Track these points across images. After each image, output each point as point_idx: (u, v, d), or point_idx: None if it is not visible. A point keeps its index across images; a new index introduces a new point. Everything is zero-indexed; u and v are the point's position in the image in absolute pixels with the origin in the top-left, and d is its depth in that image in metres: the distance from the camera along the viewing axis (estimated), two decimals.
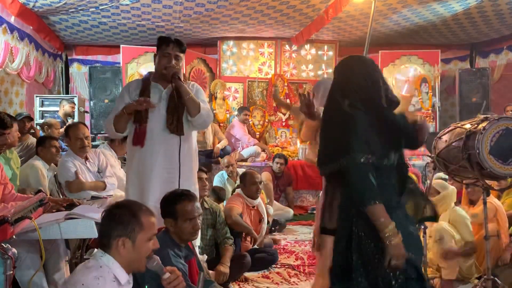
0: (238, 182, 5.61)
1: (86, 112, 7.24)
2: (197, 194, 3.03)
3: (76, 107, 7.05)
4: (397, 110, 2.18)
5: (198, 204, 2.51)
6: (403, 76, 7.86)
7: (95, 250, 3.51)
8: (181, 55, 2.91)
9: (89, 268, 1.79)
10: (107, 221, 1.85)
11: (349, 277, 2.03)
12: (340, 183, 2.05)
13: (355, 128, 1.97)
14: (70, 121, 6.46)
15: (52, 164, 4.23)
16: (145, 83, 2.95)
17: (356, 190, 1.95)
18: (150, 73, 3.05)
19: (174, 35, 7.30)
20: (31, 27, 6.33)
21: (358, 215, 1.99)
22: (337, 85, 2.16)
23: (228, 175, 5.82)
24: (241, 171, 5.84)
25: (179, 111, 2.85)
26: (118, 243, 1.80)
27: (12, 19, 5.79)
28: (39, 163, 4.10)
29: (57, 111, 6.93)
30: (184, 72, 3.10)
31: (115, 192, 3.92)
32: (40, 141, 4.28)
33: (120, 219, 1.82)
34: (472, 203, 4.09)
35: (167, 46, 2.87)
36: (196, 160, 3.06)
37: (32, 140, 5.11)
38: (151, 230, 1.88)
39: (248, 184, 4.31)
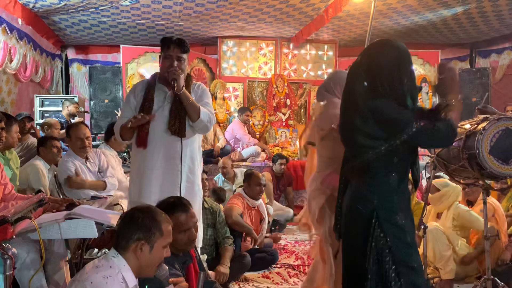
0: (236, 181, 5.61)
1: (86, 112, 7.25)
2: (201, 195, 3.04)
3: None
4: None
5: (193, 212, 2.39)
6: None
7: (95, 249, 3.54)
8: (184, 55, 2.87)
9: (98, 267, 1.80)
10: (128, 223, 1.86)
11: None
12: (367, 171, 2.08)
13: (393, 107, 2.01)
14: (77, 119, 6.46)
15: (53, 164, 4.24)
16: (150, 85, 2.95)
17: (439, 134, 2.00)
18: (156, 73, 3.04)
19: (174, 34, 7.31)
20: (31, 27, 6.33)
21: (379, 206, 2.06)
22: (365, 69, 2.12)
23: (224, 177, 5.81)
24: (239, 171, 5.84)
25: (182, 114, 2.84)
26: (137, 247, 1.82)
27: (11, 19, 5.79)
28: (39, 163, 4.10)
29: (58, 111, 6.93)
30: (189, 72, 3.07)
31: (115, 192, 3.92)
32: (41, 142, 4.29)
33: (142, 223, 1.84)
34: (470, 203, 4.09)
35: (168, 48, 2.84)
36: (200, 162, 3.04)
37: (32, 140, 5.11)
38: (168, 238, 1.90)
39: (252, 184, 4.30)
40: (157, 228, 1.85)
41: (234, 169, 6.00)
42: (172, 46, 2.84)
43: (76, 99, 7.21)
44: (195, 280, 2.38)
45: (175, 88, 2.76)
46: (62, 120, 6.39)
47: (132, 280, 1.82)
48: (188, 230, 2.31)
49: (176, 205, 2.32)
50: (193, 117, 2.82)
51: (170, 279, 1.95)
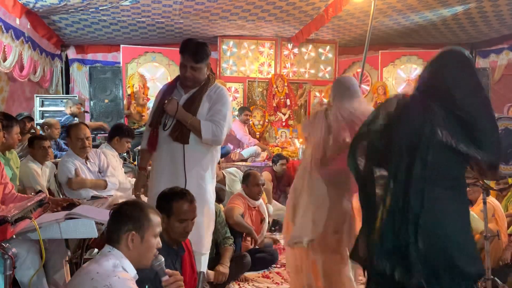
0: (227, 182, 5.52)
1: (86, 112, 7.24)
2: (213, 201, 3.05)
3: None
4: None
5: (195, 207, 2.46)
6: (404, 75, 7.89)
7: (95, 249, 3.54)
8: (198, 65, 2.82)
9: (98, 260, 1.83)
10: (117, 216, 1.91)
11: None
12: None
13: None
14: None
15: (51, 163, 4.27)
16: (168, 88, 2.99)
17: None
18: (178, 76, 3.04)
19: (174, 33, 7.32)
20: (30, 27, 6.31)
21: None
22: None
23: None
24: (226, 171, 5.77)
25: None
26: (128, 238, 1.85)
27: (9, 19, 5.77)
28: (32, 164, 4.20)
29: (58, 111, 6.92)
30: (208, 74, 2.98)
31: (116, 192, 3.92)
32: (29, 142, 4.34)
33: (130, 214, 1.89)
34: (470, 203, 4.09)
35: (183, 56, 2.83)
36: (212, 169, 3.01)
37: None
38: (157, 227, 1.95)
39: (250, 184, 4.29)
40: (146, 218, 1.90)
41: (222, 171, 5.93)
42: (186, 55, 2.81)
43: (76, 99, 7.21)
44: (191, 272, 2.44)
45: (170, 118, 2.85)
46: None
47: (132, 270, 1.86)
48: (186, 221, 2.40)
49: (183, 194, 2.43)
50: (198, 137, 2.85)
51: (166, 270, 2.00)
